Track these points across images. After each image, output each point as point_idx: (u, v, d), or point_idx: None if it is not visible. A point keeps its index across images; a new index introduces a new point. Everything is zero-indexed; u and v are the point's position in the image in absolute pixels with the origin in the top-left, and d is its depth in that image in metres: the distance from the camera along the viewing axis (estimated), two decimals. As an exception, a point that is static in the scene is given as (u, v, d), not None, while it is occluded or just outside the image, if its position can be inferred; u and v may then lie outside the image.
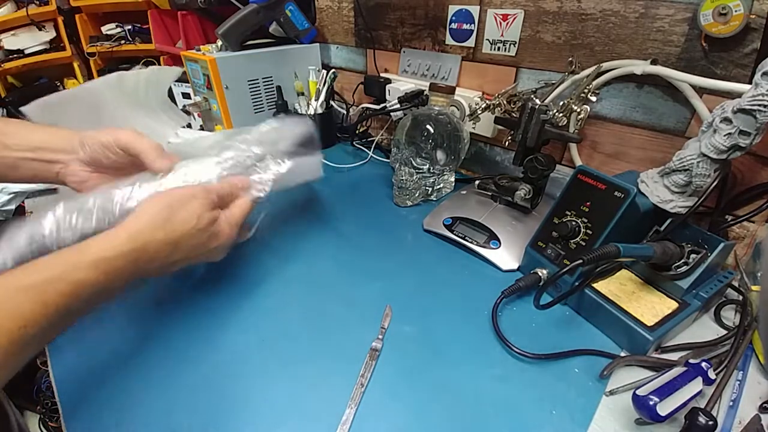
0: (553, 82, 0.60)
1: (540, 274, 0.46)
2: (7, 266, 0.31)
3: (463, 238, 0.55)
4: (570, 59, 0.56)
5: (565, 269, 0.38)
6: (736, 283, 0.47)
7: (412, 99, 0.72)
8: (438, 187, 0.68)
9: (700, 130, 0.41)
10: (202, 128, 0.94)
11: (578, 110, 0.53)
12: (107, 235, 0.33)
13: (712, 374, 0.34)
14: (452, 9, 0.69)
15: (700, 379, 0.34)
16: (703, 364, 0.34)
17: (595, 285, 0.45)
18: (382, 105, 0.80)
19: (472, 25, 0.67)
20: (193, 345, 0.41)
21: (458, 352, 0.41)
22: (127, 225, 0.34)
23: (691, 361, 0.35)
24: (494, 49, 0.66)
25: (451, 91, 0.64)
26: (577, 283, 0.44)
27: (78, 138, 0.42)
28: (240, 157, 0.45)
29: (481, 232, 0.55)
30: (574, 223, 0.45)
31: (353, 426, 0.34)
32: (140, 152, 0.41)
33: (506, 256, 0.53)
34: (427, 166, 0.64)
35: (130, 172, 0.43)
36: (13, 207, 0.82)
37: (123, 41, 1.40)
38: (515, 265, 0.52)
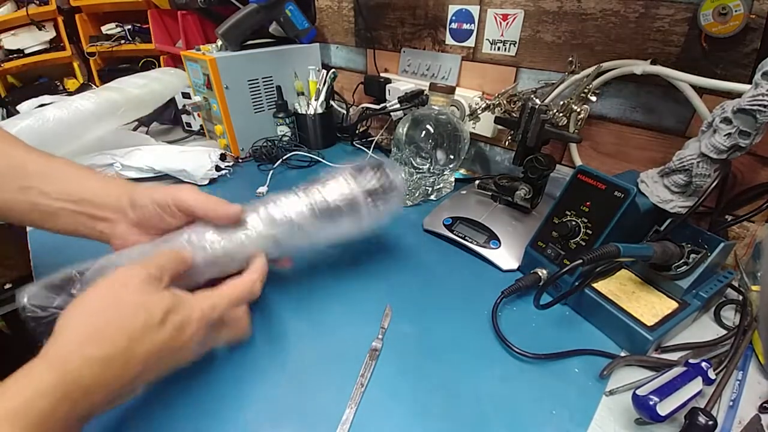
0: (553, 82, 0.60)
1: (540, 274, 0.46)
2: None
3: (463, 238, 0.55)
4: (570, 59, 0.56)
5: (565, 269, 0.38)
6: (736, 283, 0.47)
7: (412, 99, 0.72)
8: (438, 187, 0.68)
9: (700, 130, 0.41)
10: (201, 128, 0.94)
11: (578, 110, 0.53)
12: (22, 372, 0.24)
13: (712, 374, 0.34)
14: (452, 9, 0.69)
15: (700, 379, 0.34)
16: (703, 364, 0.34)
17: (595, 285, 0.45)
18: (382, 105, 0.80)
19: (472, 25, 0.67)
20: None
21: (458, 352, 0.41)
22: (47, 348, 0.25)
23: (691, 361, 0.35)
24: (494, 49, 0.66)
25: (451, 91, 0.64)
26: (577, 283, 0.44)
27: (128, 195, 0.37)
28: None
29: (481, 232, 0.55)
30: (574, 223, 0.45)
31: (353, 426, 0.34)
32: (198, 205, 0.36)
33: (506, 256, 0.53)
34: (427, 166, 0.64)
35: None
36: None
37: (123, 41, 1.40)
38: (515, 265, 0.52)
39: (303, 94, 0.85)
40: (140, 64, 1.41)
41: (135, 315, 0.27)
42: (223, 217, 0.37)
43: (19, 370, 0.24)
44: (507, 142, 0.60)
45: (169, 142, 0.91)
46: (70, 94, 1.40)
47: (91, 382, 0.25)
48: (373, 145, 0.85)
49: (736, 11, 0.41)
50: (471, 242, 0.55)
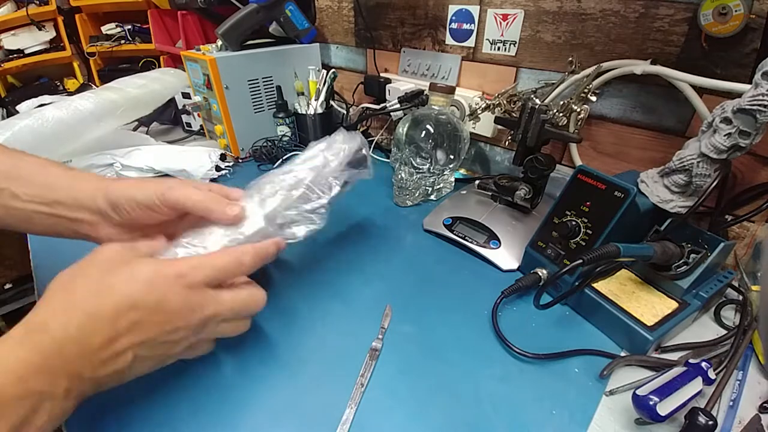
0: (553, 82, 0.60)
1: (540, 274, 0.46)
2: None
3: (463, 238, 0.55)
4: (570, 59, 0.56)
5: (565, 269, 0.38)
6: (736, 283, 0.47)
7: (412, 99, 0.72)
8: (438, 187, 0.68)
9: (700, 130, 0.41)
10: (201, 128, 0.94)
11: (578, 110, 0.53)
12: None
13: (712, 374, 0.34)
14: (452, 9, 0.69)
15: (700, 379, 0.34)
16: (703, 364, 0.34)
17: (595, 285, 0.45)
18: (382, 105, 0.80)
19: (472, 24, 0.67)
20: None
21: (458, 352, 0.41)
22: (31, 314, 0.25)
23: (691, 361, 0.35)
24: (494, 49, 0.66)
25: (451, 91, 0.64)
26: (577, 283, 0.44)
27: (103, 195, 0.34)
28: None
29: (481, 232, 0.55)
30: (574, 223, 0.45)
31: (353, 426, 0.34)
32: (196, 207, 0.34)
33: (506, 256, 0.53)
34: (427, 166, 0.64)
35: (182, 221, 0.37)
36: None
37: (123, 41, 1.40)
38: (515, 265, 0.52)
39: (303, 94, 0.85)
40: (140, 64, 1.41)
41: (144, 275, 0.28)
42: (223, 219, 0.35)
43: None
44: (507, 142, 0.60)
45: (169, 142, 0.91)
46: (70, 94, 1.40)
47: (66, 338, 0.25)
48: (373, 145, 0.85)
49: (736, 11, 0.41)
50: (471, 242, 0.55)
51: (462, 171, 0.77)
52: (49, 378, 0.24)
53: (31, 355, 0.24)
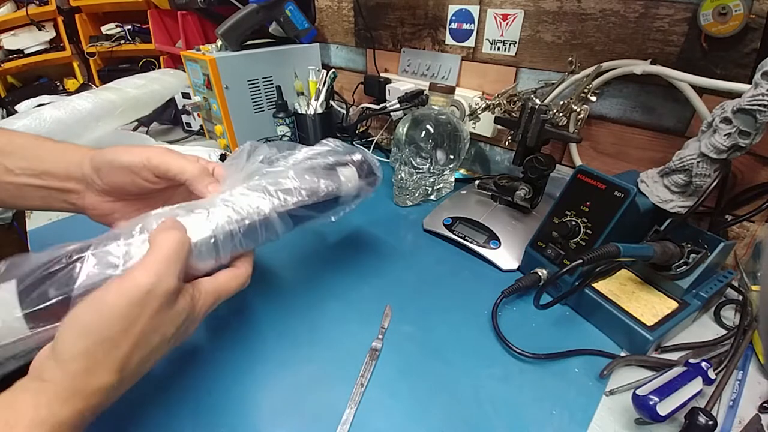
0: (553, 82, 0.60)
1: (540, 274, 0.46)
2: None
3: (463, 238, 0.55)
4: (570, 59, 0.56)
5: (565, 269, 0.38)
6: (736, 283, 0.47)
7: (412, 99, 0.72)
8: (438, 187, 0.68)
9: (700, 130, 0.41)
10: (201, 128, 0.94)
11: (578, 110, 0.53)
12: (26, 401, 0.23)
13: (712, 374, 0.34)
14: (452, 9, 0.69)
15: (700, 378, 0.34)
16: (703, 364, 0.34)
17: (595, 285, 0.45)
18: (382, 105, 0.80)
19: (472, 24, 0.67)
20: (192, 345, 0.41)
21: (458, 352, 0.41)
22: (47, 380, 0.23)
23: (691, 360, 0.35)
24: (494, 49, 0.66)
25: (451, 91, 0.64)
26: (577, 283, 0.44)
27: (89, 161, 0.33)
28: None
29: (481, 232, 0.55)
30: (574, 223, 0.45)
31: (353, 426, 0.34)
32: (181, 175, 0.33)
33: (506, 256, 0.53)
34: (427, 166, 0.64)
35: (162, 194, 0.36)
36: (10, 213, 0.81)
37: (123, 41, 1.40)
38: (515, 265, 0.52)
39: (303, 94, 0.85)
40: (140, 65, 1.41)
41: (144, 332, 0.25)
42: (203, 194, 0.33)
43: (20, 397, 0.23)
44: (507, 142, 0.60)
45: (169, 142, 0.91)
46: (70, 94, 1.40)
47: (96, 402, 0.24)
48: (373, 145, 0.85)
49: (736, 11, 0.41)
50: (471, 242, 0.55)
51: (462, 171, 0.77)
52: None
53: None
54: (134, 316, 0.25)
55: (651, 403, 0.31)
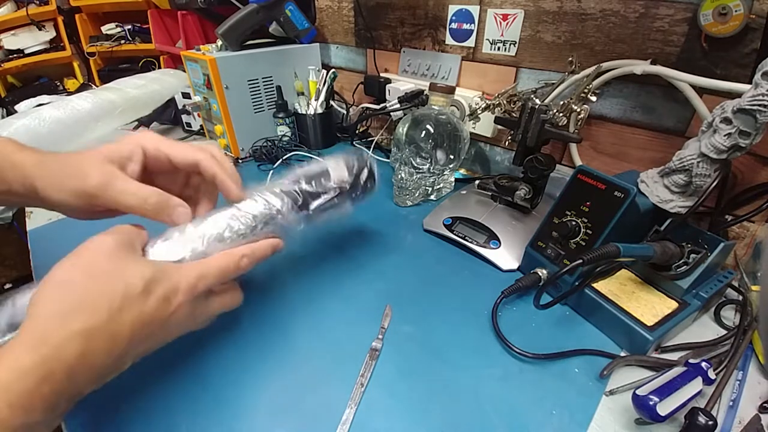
0: (553, 82, 0.60)
1: (540, 274, 0.46)
2: None
3: (463, 238, 0.55)
4: (570, 59, 0.56)
5: (565, 269, 0.38)
6: (736, 283, 0.47)
7: (412, 99, 0.72)
8: (438, 187, 0.68)
9: (700, 130, 0.41)
10: (201, 128, 0.94)
11: (578, 110, 0.53)
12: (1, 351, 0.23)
13: (712, 374, 0.34)
14: (452, 9, 0.69)
15: (700, 379, 0.34)
16: (703, 364, 0.34)
17: (595, 285, 0.45)
18: (382, 105, 0.80)
19: (472, 24, 0.67)
20: (192, 346, 0.41)
21: (458, 352, 0.41)
22: (23, 329, 0.24)
23: (691, 361, 0.35)
24: (494, 49, 0.66)
25: (451, 91, 0.64)
26: (577, 283, 0.44)
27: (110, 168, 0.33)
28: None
29: (481, 232, 0.55)
30: (574, 223, 0.45)
31: (353, 426, 0.34)
32: (217, 177, 0.36)
33: (506, 256, 0.53)
34: (427, 166, 0.64)
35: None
36: (10, 213, 0.81)
37: (123, 41, 1.40)
38: (515, 265, 0.52)
39: (303, 94, 0.85)
40: (140, 65, 1.41)
41: (112, 284, 0.26)
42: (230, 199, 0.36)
43: None
44: (507, 142, 0.60)
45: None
46: (70, 94, 1.40)
47: (73, 359, 0.23)
48: (373, 145, 0.85)
49: (736, 11, 0.41)
50: (471, 242, 0.55)
51: (462, 171, 0.77)
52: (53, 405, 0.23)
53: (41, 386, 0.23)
54: (95, 264, 0.26)
55: (651, 403, 0.31)
